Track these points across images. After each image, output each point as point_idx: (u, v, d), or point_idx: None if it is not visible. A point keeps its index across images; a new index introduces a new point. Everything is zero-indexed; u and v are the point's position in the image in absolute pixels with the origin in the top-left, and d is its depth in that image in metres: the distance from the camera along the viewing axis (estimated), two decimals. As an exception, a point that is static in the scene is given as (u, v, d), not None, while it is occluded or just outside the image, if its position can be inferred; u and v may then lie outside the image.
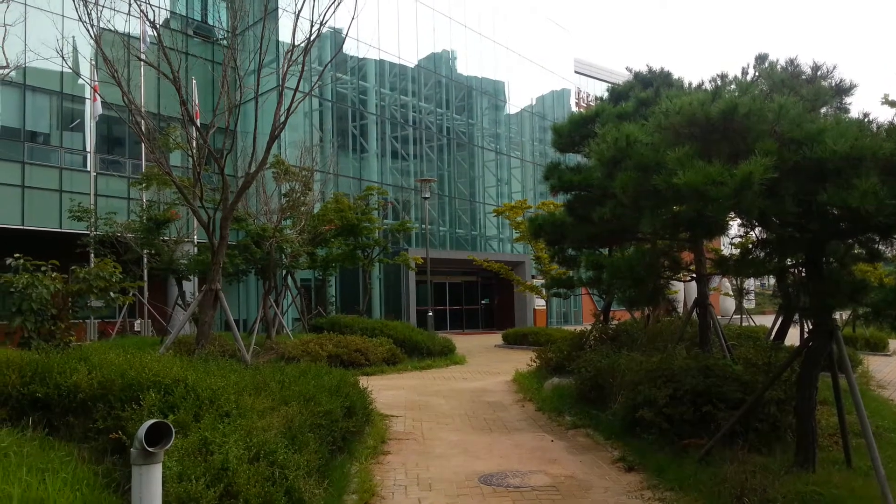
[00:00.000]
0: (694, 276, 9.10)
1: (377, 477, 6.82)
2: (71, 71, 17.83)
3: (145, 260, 18.84)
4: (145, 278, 19.85)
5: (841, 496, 5.37)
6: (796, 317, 8.22)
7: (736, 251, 10.15)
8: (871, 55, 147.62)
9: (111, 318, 21.22)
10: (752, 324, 24.82)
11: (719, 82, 8.44)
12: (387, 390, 12.35)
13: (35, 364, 6.19)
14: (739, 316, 27.75)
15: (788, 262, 6.79)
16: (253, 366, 9.79)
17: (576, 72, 47.07)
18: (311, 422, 6.18)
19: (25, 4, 18.06)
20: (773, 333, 11.51)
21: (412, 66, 34.02)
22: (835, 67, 7.29)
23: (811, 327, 6.72)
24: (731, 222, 7.08)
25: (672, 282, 7.42)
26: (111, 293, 11.33)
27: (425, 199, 26.15)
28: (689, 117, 5.75)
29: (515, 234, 28.25)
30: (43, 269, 10.03)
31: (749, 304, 40.12)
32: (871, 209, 5.14)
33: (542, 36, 42.47)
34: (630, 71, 11.35)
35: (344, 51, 28.96)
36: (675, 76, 10.78)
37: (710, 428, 7.16)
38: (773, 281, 9.53)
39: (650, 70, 11.09)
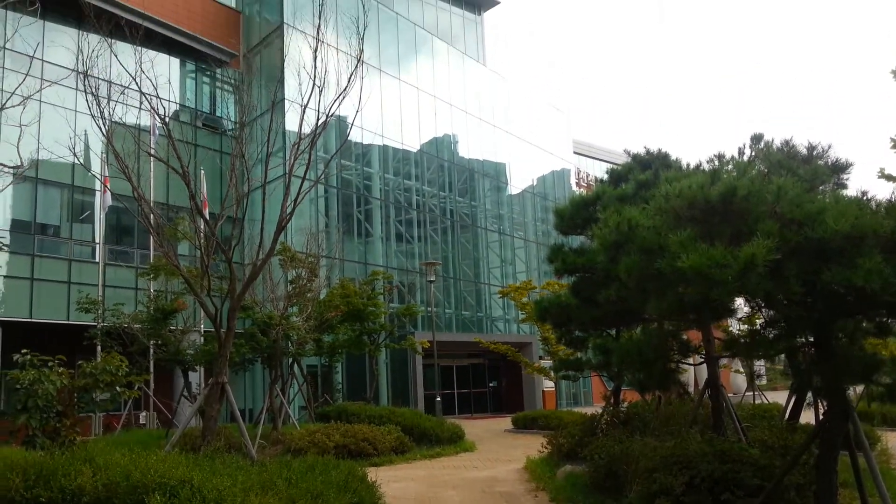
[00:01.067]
0: (703, 358, 9.03)
1: (387, 576, 6.58)
2: (82, 166, 18.26)
3: (151, 351, 18.79)
4: (151, 370, 19.76)
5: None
6: (810, 395, 8.11)
7: (744, 327, 10.08)
8: (865, 126, 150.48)
9: (116, 412, 21.01)
10: (765, 401, 24.43)
11: (717, 163, 8.60)
12: (396, 482, 12.06)
13: (39, 466, 6.10)
14: (752, 393, 27.34)
15: (798, 340, 6.75)
16: (259, 461, 9.61)
17: (575, 152, 47.97)
18: (318, 520, 6.03)
19: (40, 101, 18.63)
20: (788, 413, 11.33)
21: (415, 150, 34.76)
22: (830, 147, 7.44)
23: (825, 407, 6.61)
24: (738, 301, 7.07)
25: (682, 364, 7.36)
26: (117, 387, 11.26)
27: (430, 282, 26.22)
28: (689, 200, 5.85)
29: (521, 314, 28.15)
30: (49, 364, 10.01)
31: (761, 380, 39.56)
32: (877, 287, 5.15)
33: (540, 119, 43.53)
34: (628, 153, 11.59)
35: (348, 138, 29.67)
36: (673, 157, 11.00)
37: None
38: (784, 356, 9.43)
39: (648, 151, 11.32)
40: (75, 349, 15.61)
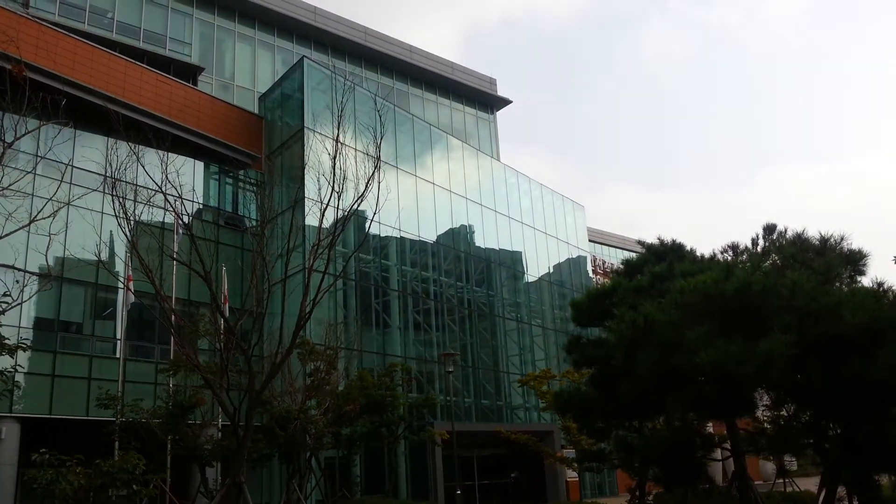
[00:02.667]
0: (729, 454, 8.85)
1: None
2: (106, 269, 18.65)
3: (169, 447, 18.63)
4: (168, 466, 19.55)
5: None
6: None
7: (769, 415, 9.91)
8: (878, 212, 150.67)
9: (131, 509, 20.65)
10: (796, 489, 23.59)
11: (730, 254, 8.71)
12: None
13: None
14: (782, 480, 26.42)
15: (826, 431, 6.65)
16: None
17: (590, 240, 48.40)
18: None
19: (69, 205, 19.32)
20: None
21: (431, 241, 35.18)
22: (842, 238, 7.53)
23: (858, 500, 6.46)
24: (761, 394, 7.01)
25: (707, 460, 7.22)
26: (133, 486, 11.20)
27: (449, 372, 26.05)
28: (704, 295, 5.93)
29: (542, 403, 27.74)
30: (67, 463, 10.01)
31: (790, 465, 38.28)
32: (899, 381, 5.14)
33: (555, 210, 44.19)
34: (642, 244, 11.72)
35: (367, 233, 30.17)
36: (687, 247, 11.11)
37: None
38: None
39: (662, 242, 11.45)
40: (93, 445, 15.50)
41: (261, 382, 10.91)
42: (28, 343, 12.75)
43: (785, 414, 6.65)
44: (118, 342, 23.84)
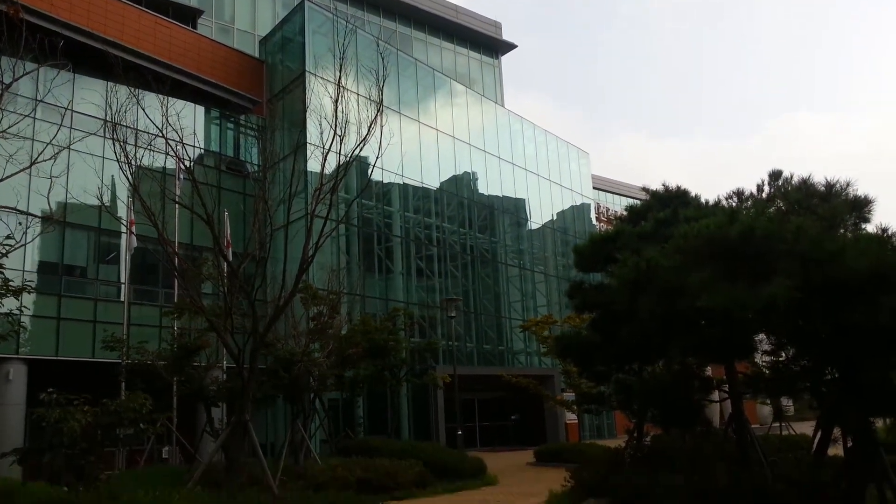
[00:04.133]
0: (727, 395, 8.96)
1: None
2: (108, 213, 18.63)
3: (175, 387, 18.91)
4: (174, 406, 19.86)
5: None
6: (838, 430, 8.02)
7: (768, 359, 10.00)
8: (886, 161, 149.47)
9: (140, 447, 21.09)
10: (792, 432, 24.00)
11: (735, 200, 8.65)
12: (418, 518, 11.99)
13: (66, 504, 6.18)
14: (779, 424, 26.85)
15: (825, 376, 6.71)
16: (281, 497, 9.64)
17: (594, 187, 48.15)
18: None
19: (69, 148, 19.17)
20: (815, 446, 11.14)
21: (434, 188, 35.05)
22: (848, 184, 7.45)
23: (852, 441, 6.56)
24: (761, 337, 7.06)
25: (706, 401, 7.31)
26: (140, 424, 11.37)
27: (451, 317, 26.24)
28: (708, 240, 5.91)
29: (543, 348, 28.05)
30: (75, 402, 10.15)
31: (787, 410, 38.82)
32: (901, 326, 5.15)
33: (559, 157, 43.85)
34: (646, 191, 11.62)
35: (369, 179, 30.01)
36: (692, 194, 11.02)
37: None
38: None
39: (666, 189, 11.35)
40: (100, 386, 15.70)
41: (264, 325, 11.00)
42: (32, 286, 12.82)
43: (784, 358, 6.69)
44: (122, 286, 23.99)
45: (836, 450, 10.26)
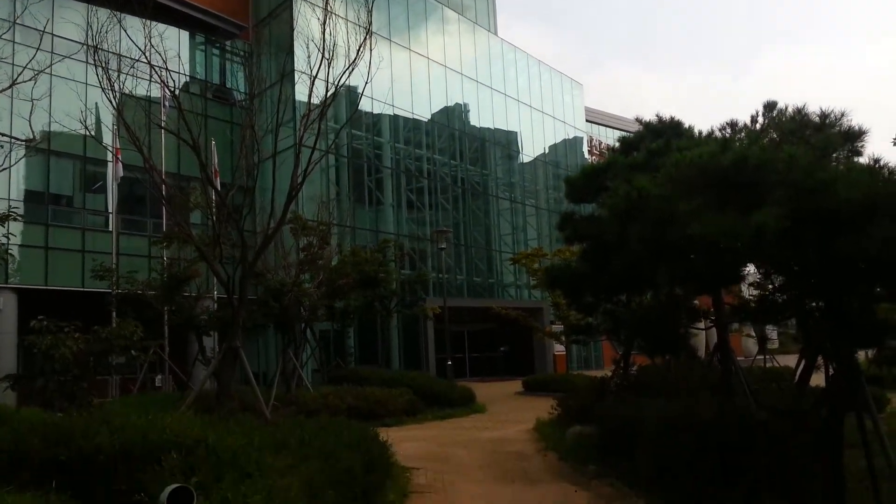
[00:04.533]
0: (713, 323, 9.06)
1: (399, 534, 6.75)
2: (93, 138, 18.33)
3: (166, 317, 19.01)
4: (166, 335, 20.01)
5: (872, 544, 5.24)
6: (820, 359, 8.14)
7: (755, 292, 10.11)
8: (880, 94, 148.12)
9: (132, 375, 21.33)
10: (776, 365, 24.49)
11: (729, 131, 8.55)
12: (407, 442, 12.26)
13: (57, 427, 6.24)
14: (763, 357, 27.38)
15: (809, 304, 6.77)
16: (273, 422, 9.79)
17: (587, 120, 47.60)
18: (331, 479, 6.15)
19: (51, 75, 18.66)
20: (798, 376, 11.37)
21: (426, 119, 34.60)
22: (843, 114, 7.35)
23: (834, 370, 6.67)
24: (749, 268, 7.09)
25: (692, 329, 7.40)
26: (132, 351, 11.47)
27: (441, 249, 26.28)
28: (700, 169, 5.84)
29: (532, 281, 28.24)
30: (66, 329, 10.19)
31: (772, 343, 39.56)
32: (889, 256, 5.15)
33: (552, 88, 43.17)
34: (640, 121, 11.47)
35: (359, 108, 29.54)
36: (686, 125, 10.89)
37: (737, 477, 7.05)
38: (795, 321, 9.45)
39: (660, 120, 11.20)
40: (90, 316, 15.77)
41: (253, 254, 10.97)
42: (18, 213, 12.69)
43: (771, 286, 6.73)
44: (110, 215, 23.82)
45: (818, 380, 10.47)
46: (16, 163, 11.41)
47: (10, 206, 13.31)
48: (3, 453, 5.99)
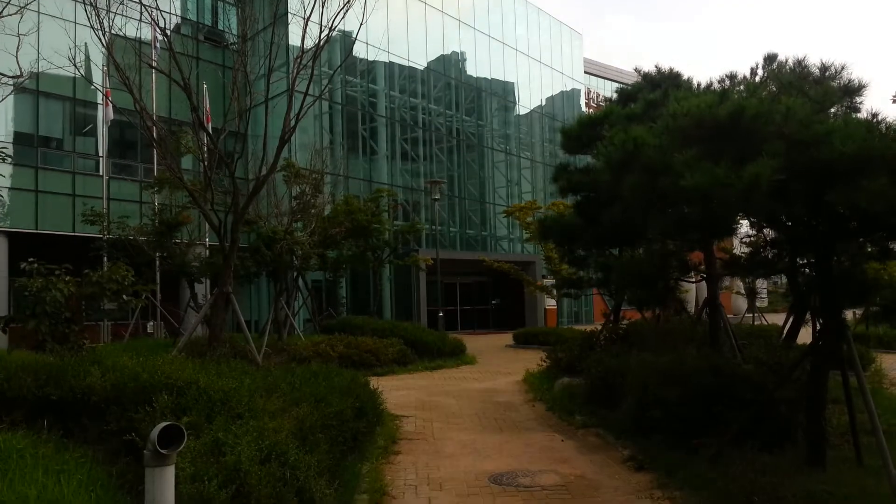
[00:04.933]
0: (704, 276, 9.10)
1: (388, 477, 6.87)
2: (83, 78, 17.98)
3: (157, 263, 18.98)
4: (157, 281, 20.01)
5: (852, 494, 5.36)
6: (808, 316, 8.21)
7: (747, 250, 10.18)
8: (883, 52, 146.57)
9: (124, 321, 21.40)
10: (765, 322, 24.75)
11: (728, 83, 8.45)
12: (397, 391, 12.41)
13: (49, 367, 6.28)
14: (751, 315, 27.67)
15: (799, 261, 6.79)
16: (264, 367, 9.86)
17: (585, 72, 47.03)
18: (321, 423, 6.23)
19: (38, 12, 18.22)
20: (785, 333, 11.50)
21: (421, 68, 34.11)
22: (843, 68, 7.24)
23: (821, 326, 6.72)
24: (741, 222, 7.09)
25: (683, 282, 7.42)
26: (123, 296, 11.45)
27: (435, 200, 26.19)
28: (696, 120, 5.77)
29: (525, 234, 28.27)
30: (56, 272, 10.14)
31: (761, 302, 39.94)
32: (880, 210, 5.14)
33: (551, 38, 42.49)
34: (639, 72, 11.34)
35: (353, 54, 29.05)
36: (684, 76, 10.78)
37: (721, 428, 7.16)
38: (785, 280, 9.50)
39: (659, 71, 11.08)
40: (81, 261, 15.73)
41: (245, 199, 10.90)
42: (7, 153, 12.49)
43: (763, 241, 6.74)
44: (100, 159, 23.57)
45: (806, 339, 10.59)
46: (3, 99, 11.20)
47: (-2, 146, 13.08)
48: (-6, 392, 6.03)
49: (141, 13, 10.61)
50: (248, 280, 19.27)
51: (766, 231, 6.63)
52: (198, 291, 19.38)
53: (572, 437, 8.85)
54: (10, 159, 14.94)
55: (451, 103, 35.90)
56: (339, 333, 18.19)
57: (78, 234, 21.67)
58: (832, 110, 7.00)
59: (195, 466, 4.50)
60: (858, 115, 7.24)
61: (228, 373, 7.20)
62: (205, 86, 21.80)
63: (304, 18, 9.89)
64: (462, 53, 36.52)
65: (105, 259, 18.07)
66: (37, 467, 4.45)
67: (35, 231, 22.13)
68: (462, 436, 8.94)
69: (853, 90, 7.52)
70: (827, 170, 5.47)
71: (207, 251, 20.92)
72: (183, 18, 28.18)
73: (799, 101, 5.80)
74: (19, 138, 22.55)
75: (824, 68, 7.41)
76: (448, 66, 35.76)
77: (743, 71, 9.65)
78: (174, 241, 17.80)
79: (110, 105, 20.79)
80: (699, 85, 10.00)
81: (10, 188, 21.58)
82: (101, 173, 23.15)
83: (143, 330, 22.31)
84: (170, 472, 3.91)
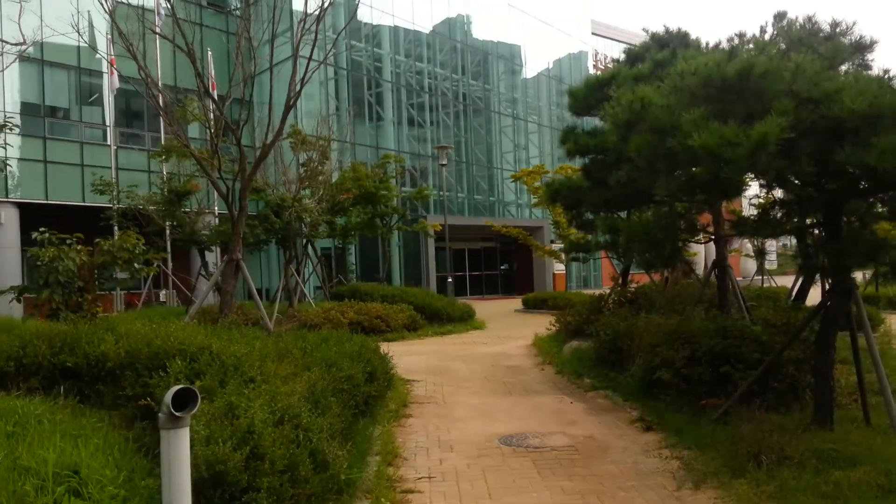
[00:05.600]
0: (712, 237, 9.07)
1: (399, 439, 6.96)
2: (88, 45, 17.89)
3: (168, 231, 19.10)
4: (168, 250, 20.15)
5: (859, 453, 5.39)
6: (817, 277, 8.19)
7: (756, 212, 10.15)
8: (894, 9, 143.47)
9: (137, 290, 21.60)
10: (773, 285, 24.72)
11: (737, 41, 8.30)
12: (407, 355, 12.51)
13: (64, 335, 6.36)
14: (760, 277, 27.61)
15: (808, 221, 6.75)
16: (275, 333, 9.95)
17: (593, 34, 46.35)
18: (333, 386, 6.30)
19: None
20: (794, 294, 11.49)
21: (427, 31, 33.73)
22: (854, 24, 7.12)
23: (830, 287, 6.70)
24: (750, 183, 7.05)
25: (691, 244, 7.40)
26: (135, 264, 11.55)
27: (442, 165, 26.10)
28: (704, 78, 5.70)
29: (533, 199, 28.20)
30: (68, 242, 10.23)
31: (770, 265, 39.84)
32: (890, 167, 5.09)
33: (558, -2, 41.86)
34: (647, 32, 11.17)
35: (358, 18, 28.73)
36: (693, 36, 10.62)
37: (728, 388, 7.21)
38: (794, 241, 9.47)
39: (667, 31, 10.91)
40: (92, 230, 15.85)
41: (252, 165, 10.89)
42: (14, 124, 12.49)
43: (771, 198, 6.70)
44: (107, 129, 23.56)
45: (815, 300, 10.60)
46: (7, 67, 11.16)
47: (4, 116, 13.09)
48: (11, 360, 6.13)
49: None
50: (257, 248, 19.38)
51: (774, 192, 6.59)
52: (208, 259, 19.50)
53: (581, 399, 8.93)
54: (16, 129, 14.93)
55: (457, 67, 35.56)
56: (348, 300, 18.30)
57: (88, 205, 21.80)
58: (843, 67, 6.90)
59: (209, 429, 4.57)
60: (870, 72, 7.14)
61: (240, 338, 7.27)
62: (209, 53, 21.66)
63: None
64: (467, 16, 36.06)
65: (115, 228, 18.18)
66: (54, 432, 4.53)
67: (45, 202, 22.25)
68: (472, 399, 9.04)
69: (864, 47, 7.41)
70: (837, 127, 5.41)
71: (217, 219, 21.00)
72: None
73: (809, 58, 5.72)
74: (26, 108, 22.56)
75: (835, 24, 7.29)
76: (453, 29, 35.34)
77: (753, 30, 9.51)
78: (183, 210, 17.87)
79: (115, 73, 20.74)
80: (707, 44, 9.84)
81: (18, 159, 21.65)
82: (108, 143, 23.17)
83: (156, 298, 22.52)
84: (185, 435, 3.97)
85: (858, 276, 13.95)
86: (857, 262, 6.39)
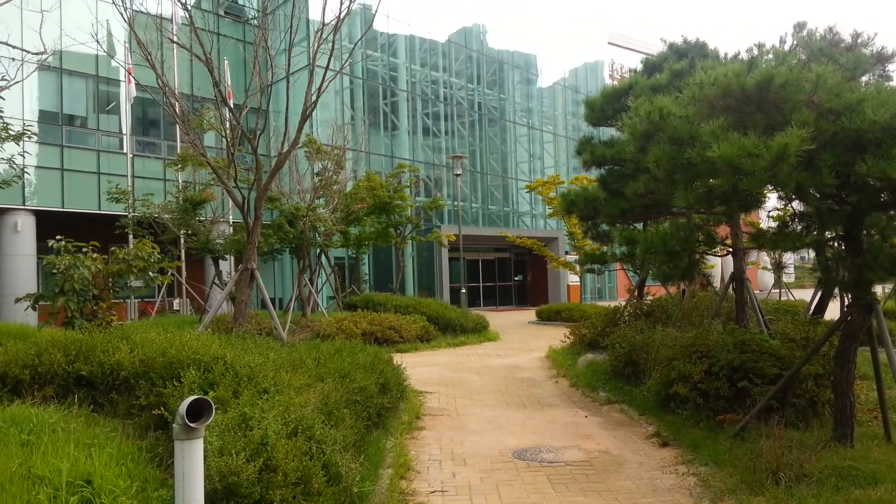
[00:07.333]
0: (730, 250, 8.98)
1: (412, 452, 6.91)
2: (106, 54, 18.05)
3: (182, 240, 19.17)
4: (183, 258, 20.22)
5: (879, 471, 5.30)
6: (836, 291, 8.07)
7: (774, 224, 10.03)
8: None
9: (151, 298, 21.70)
10: (791, 298, 24.45)
11: (756, 52, 8.23)
12: (420, 367, 12.46)
13: (79, 343, 6.36)
14: (778, 290, 27.33)
15: (827, 234, 6.66)
16: (289, 343, 9.94)
17: (609, 43, 46.28)
18: (346, 398, 6.27)
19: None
20: (812, 308, 11.36)
21: (442, 41, 33.84)
22: (875, 35, 7.06)
23: (850, 301, 6.60)
24: (768, 195, 6.97)
25: (708, 256, 7.30)
26: (150, 273, 11.56)
27: (457, 175, 26.10)
28: (723, 89, 5.64)
29: (548, 209, 28.12)
30: (84, 250, 10.26)
31: (788, 278, 39.46)
32: (913, 180, 5.02)
33: (573, 7, 41.91)
34: (664, 42, 11.13)
35: (374, 27, 28.85)
36: (711, 47, 10.56)
37: (746, 403, 7.11)
38: (812, 254, 9.35)
39: (685, 41, 10.87)
40: (108, 238, 15.94)
41: (268, 174, 10.92)
42: (32, 132, 12.61)
43: (791, 211, 6.62)
44: (124, 137, 23.75)
45: (833, 313, 10.45)
46: (28, 76, 11.27)
47: (24, 124, 13.20)
48: (27, 368, 6.14)
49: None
50: (271, 257, 19.41)
51: (793, 204, 6.51)
52: (222, 269, 19.55)
53: (596, 413, 8.84)
54: (34, 137, 15.07)
55: (472, 77, 35.62)
56: (362, 310, 18.28)
57: (103, 213, 21.94)
58: (864, 78, 6.82)
59: (223, 440, 4.55)
60: (891, 83, 7.06)
61: (254, 348, 7.26)
62: (226, 61, 21.81)
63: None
64: (483, 25, 36.15)
65: (131, 236, 18.28)
66: (68, 441, 4.52)
67: (61, 209, 22.42)
68: (485, 412, 8.97)
69: (886, 57, 7.32)
70: (858, 139, 5.34)
71: (231, 228, 21.07)
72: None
73: (829, 69, 5.65)
74: (44, 116, 22.77)
75: (856, 36, 7.21)
76: (469, 39, 35.43)
77: (772, 41, 9.43)
78: (198, 219, 17.95)
79: (133, 82, 20.91)
80: (726, 55, 9.79)
81: (36, 166, 21.84)
82: (125, 151, 23.35)
83: (170, 307, 22.61)
84: (199, 446, 3.95)
85: (879, 290, 13.79)
86: (878, 276, 6.28)
